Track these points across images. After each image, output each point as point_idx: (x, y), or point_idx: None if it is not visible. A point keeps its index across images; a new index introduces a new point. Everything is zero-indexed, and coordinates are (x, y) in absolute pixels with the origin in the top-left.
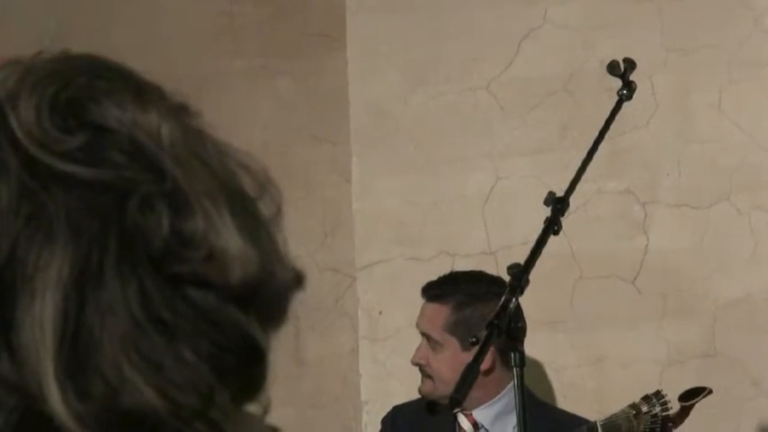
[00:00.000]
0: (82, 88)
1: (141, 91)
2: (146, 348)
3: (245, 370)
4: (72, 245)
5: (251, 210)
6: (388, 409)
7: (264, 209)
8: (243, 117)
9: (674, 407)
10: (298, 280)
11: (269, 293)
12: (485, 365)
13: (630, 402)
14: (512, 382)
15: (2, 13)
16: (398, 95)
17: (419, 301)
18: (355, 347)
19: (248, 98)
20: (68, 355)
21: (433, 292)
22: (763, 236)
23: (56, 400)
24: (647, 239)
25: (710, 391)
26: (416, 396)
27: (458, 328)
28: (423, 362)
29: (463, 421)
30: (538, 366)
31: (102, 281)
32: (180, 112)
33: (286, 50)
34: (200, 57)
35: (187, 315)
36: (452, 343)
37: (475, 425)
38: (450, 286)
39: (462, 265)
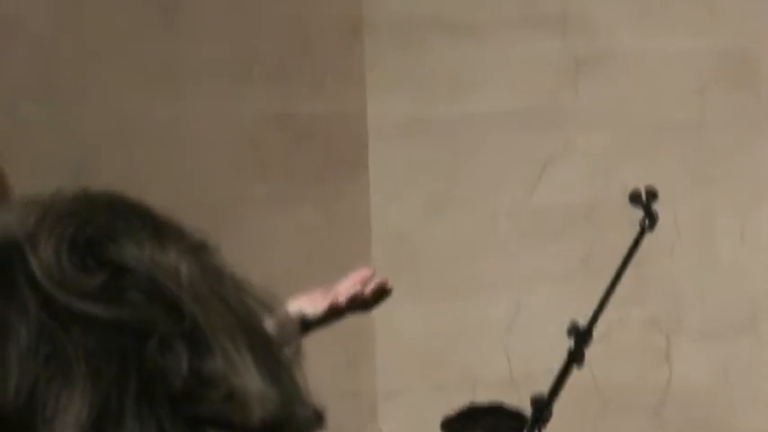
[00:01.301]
0: (100, 228)
1: (160, 229)
2: None
3: None
4: (91, 386)
5: (271, 348)
6: None
7: (284, 348)
8: (265, 243)
9: None
10: (318, 419)
11: (289, 430)
12: None
13: None
14: None
15: (26, 145)
16: (420, 222)
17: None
18: None
19: (270, 224)
20: None
21: (454, 427)
22: None
23: None
24: (671, 370)
25: None
26: None
27: None
28: None
29: None
30: None
31: (122, 423)
32: (199, 251)
33: (308, 177)
34: (223, 182)
35: None
36: None
37: None
38: (469, 421)
39: (484, 394)
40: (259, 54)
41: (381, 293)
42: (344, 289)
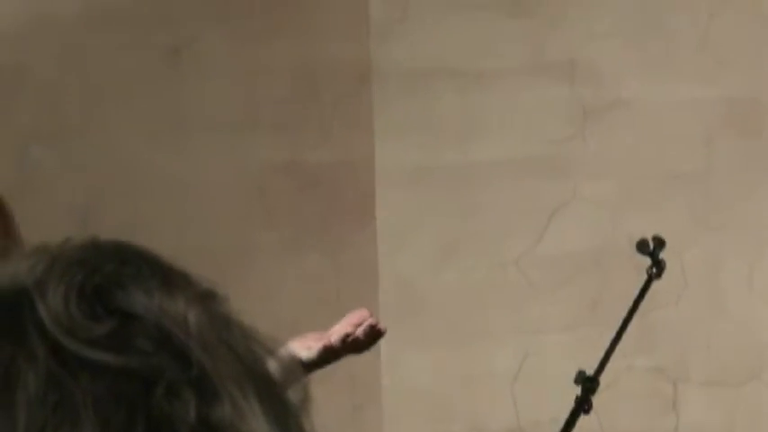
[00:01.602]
0: (109, 275)
1: (168, 277)
2: None
3: None
4: None
5: (278, 395)
6: None
7: (292, 395)
8: (272, 291)
9: None
10: None
11: None
12: None
13: None
14: None
15: (33, 189)
16: (427, 270)
17: None
18: None
19: (277, 272)
20: None
21: None
22: None
23: None
24: (678, 418)
25: None
26: None
27: None
28: None
29: None
30: None
31: None
32: (207, 299)
33: (315, 225)
34: (229, 230)
35: None
36: None
37: None
38: None
39: None
40: (266, 100)
41: (374, 335)
42: (337, 331)
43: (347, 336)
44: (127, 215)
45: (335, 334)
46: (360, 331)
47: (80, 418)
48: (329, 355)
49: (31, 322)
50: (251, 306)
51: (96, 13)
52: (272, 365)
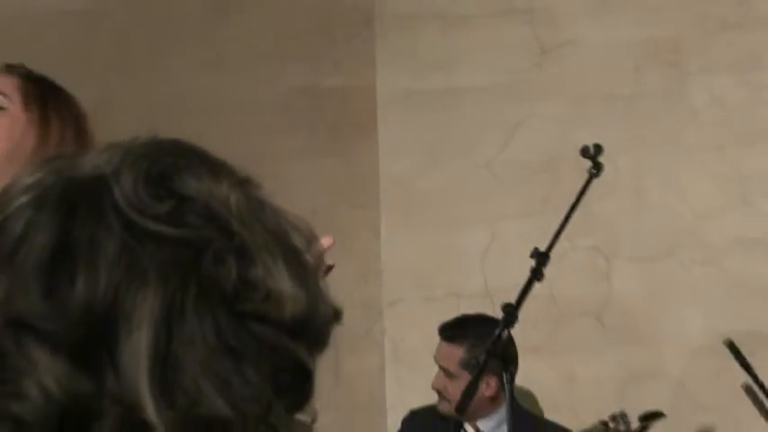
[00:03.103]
0: (168, 165)
1: (214, 167)
2: (219, 370)
3: (296, 386)
4: (161, 289)
5: (300, 260)
6: (407, 413)
7: (310, 259)
8: (296, 186)
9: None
10: (337, 315)
11: (315, 325)
12: (491, 393)
13: (600, 419)
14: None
15: (109, 110)
16: (417, 171)
17: (432, 330)
18: (382, 367)
19: (299, 171)
20: (159, 375)
21: (449, 333)
22: (699, 283)
23: (150, 410)
24: (610, 286)
25: (664, 415)
26: (428, 403)
27: (469, 364)
28: (441, 388)
29: (469, 429)
30: (526, 384)
31: (185, 317)
32: (245, 184)
33: (329, 135)
34: (262, 138)
35: (251, 343)
36: (465, 374)
37: (477, 431)
38: (462, 330)
39: (466, 305)
40: (291, 38)
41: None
42: None
43: None
44: (180, 128)
45: None
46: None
47: (146, 277)
48: None
49: (109, 202)
50: (279, 198)
51: None
52: (296, 237)
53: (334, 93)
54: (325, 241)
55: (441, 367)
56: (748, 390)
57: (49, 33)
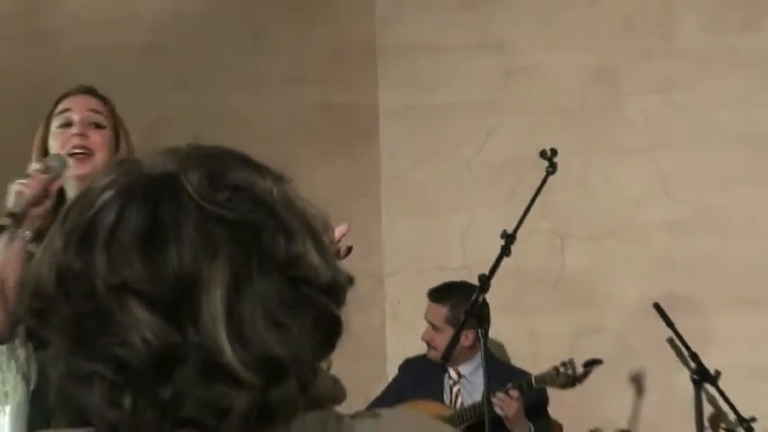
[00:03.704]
0: (222, 164)
1: (257, 166)
2: (278, 321)
3: (331, 334)
4: (229, 260)
5: (321, 239)
6: (403, 360)
7: (326, 240)
8: (314, 183)
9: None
10: (350, 281)
11: (337, 289)
12: (469, 343)
13: (553, 365)
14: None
15: (167, 124)
16: (411, 169)
17: (423, 295)
18: (383, 324)
19: (318, 172)
20: (233, 327)
21: (436, 296)
22: (633, 257)
23: (228, 353)
24: (564, 260)
25: (602, 362)
26: (420, 352)
27: (452, 320)
28: (429, 340)
29: (452, 372)
30: (496, 337)
31: (251, 281)
32: (280, 179)
33: (341, 142)
34: (286, 145)
35: (300, 301)
36: (449, 329)
37: (458, 374)
38: (447, 292)
39: (449, 275)
40: (311, 66)
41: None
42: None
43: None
44: (224, 138)
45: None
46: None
47: (217, 250)
48: None
49: (184, 192)
50: (301, 192)
51: (206, 8)
52: (318, 222)
53: (344, 108)
54: (342, 228)
55: (429, 323)
56: (671, 342)
57: (118, 63)
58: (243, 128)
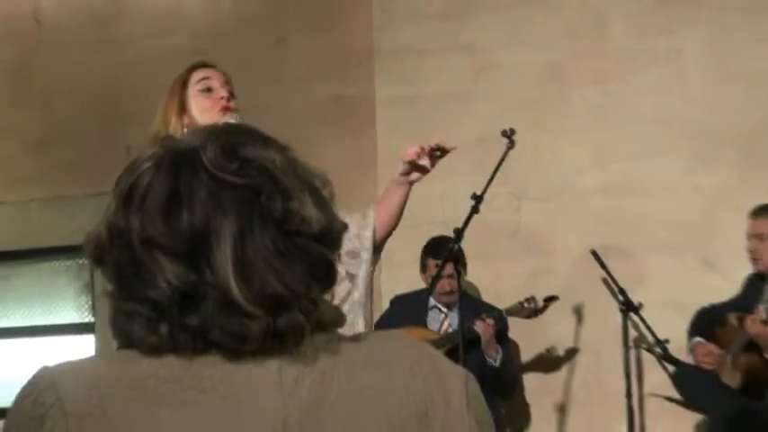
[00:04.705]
0: (235, 139)
1: (265, 139)
2: (275, 266)
3: (326, 275)
4: (236, 218)
5: (320, 194)
6: (406, 289)
7: (326, 194)
8: (326, 158)
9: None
10: (345, 228)
11: (332, 235)
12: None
13: (518, 300)
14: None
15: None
16: (401, 147)
17: (412, 246)
18: (380, 268)
19: (329, 148)
20: (240, 269)
21: (430, 250)
22: (576, 214)
23: (236, 291)
24: (520, 217)
25: (558, 298)
26: (409, 290)
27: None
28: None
29: (441, 307)
30: (469, 279)
31: (253, 234)
32: (284, 149)
33: (347, 125)
34: (306, 128)
35: (294, 249)
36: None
37: (447, 307)
38: (434, 245)
39: (434, 229)
40: (322, 65)
41: (434, 151)
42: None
43: (417, 154)
44: (252, 123)
45: (410, 156)
46: (426, 149)
47: (226, 211)
48: (414, 168)
49: (200, 164)
50: (316, 163)
51: (239, 19)
52: (317, 181)
53: (348, 99)
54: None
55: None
56: (605, 281)
57: (170, 65)
58: (270, 115)
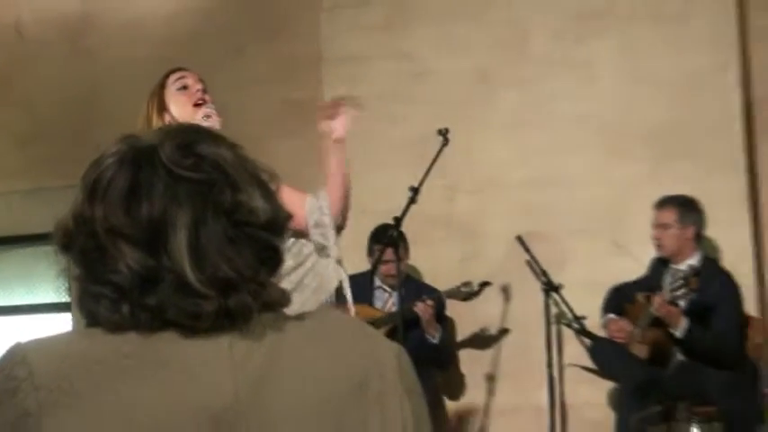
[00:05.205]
0: (191, 138)
1: (216, 137)
2: (227, 252)
3: (272, 259)
4: (190, 209)
5: (266, 187)
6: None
7: (272, 187)
8: (278, 157)
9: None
10: (290, 218)
11: (278, 224)
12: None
13: (456, 285)
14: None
15: None
16: (347, 145)
17: (360, 232)
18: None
19: (285, 147)
20: (194, 255)
21: (378, 236)
22: (503, 204)
23: (190, 275)
24: (454, 205)
25: (491, 284)
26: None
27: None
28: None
29: (386, 287)
30: (409, 262)
31: (206, 223)
32: (234, 146)
33: (299, 126)
34: (261, 128)
35: (243, 237)
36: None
37: (391, 287)
38: (381, 231)
39: (378, 219)
40: (278, 70)
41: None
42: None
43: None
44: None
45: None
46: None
47: (182, 203)
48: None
49: (158, 160)
50: (270, 158)
51: (200, 29)
52: (264, 175)
53: (299, 102)
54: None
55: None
56: (529, 264)
57: (137, 72)
58: (228, 117)
